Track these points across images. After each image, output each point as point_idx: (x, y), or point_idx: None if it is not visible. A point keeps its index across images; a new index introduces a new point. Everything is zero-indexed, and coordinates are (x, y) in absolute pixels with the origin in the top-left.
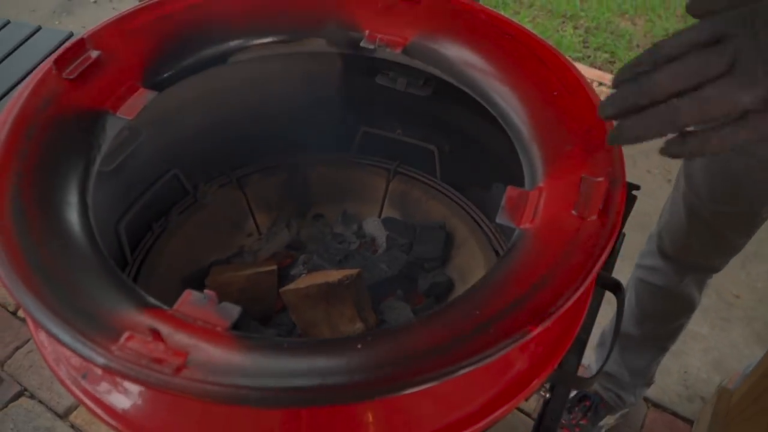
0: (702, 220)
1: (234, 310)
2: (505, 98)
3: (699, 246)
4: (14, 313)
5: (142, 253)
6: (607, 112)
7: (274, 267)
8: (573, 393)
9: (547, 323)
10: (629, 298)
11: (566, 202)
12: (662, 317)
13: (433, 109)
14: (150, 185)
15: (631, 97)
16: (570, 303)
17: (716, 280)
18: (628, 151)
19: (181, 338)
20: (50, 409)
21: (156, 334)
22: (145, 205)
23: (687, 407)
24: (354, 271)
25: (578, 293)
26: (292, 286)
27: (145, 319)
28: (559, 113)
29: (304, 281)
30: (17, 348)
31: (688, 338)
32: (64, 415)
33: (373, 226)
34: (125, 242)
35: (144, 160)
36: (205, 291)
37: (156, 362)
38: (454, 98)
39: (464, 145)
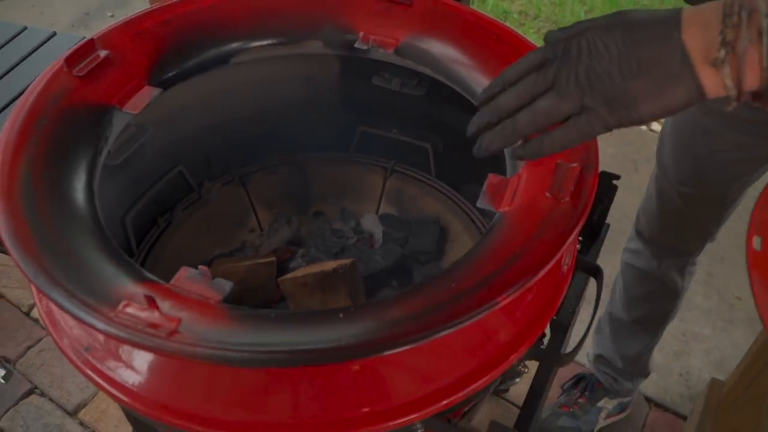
0: (672, 202)
1: (226, 285)
2: None
3: (671, 228)
4: (27, 314)
5: (147, 246)
6: (470, 131)
7: (273, 258)
8: (570, 380)
9: (516, 294)
10: (618, 282)
11: (542, 186)
12: (647, 301)
13: (427, 108)
14: (156, 181)
15: (485, 117)
16: (539, 276)
17: (718, 282)
18: (630, 156)
19: (175, 308)
20: (60, 407)
21: (152, 302)
22: (150, 200)
23: (689, 407)
24: (348, 261)
25: (547, 267)
26: (289, 275)
27: (142, 291)
28: None
29: (302, 271)
30: (29, 347)
31: (690, 339)
32: (73, 413)
33: (370, 222)
34: (131, 235)
35: (150, 157)
36: (200, 267)
37: (151, 327)
38: (447, 97)
39: (457, 143)
